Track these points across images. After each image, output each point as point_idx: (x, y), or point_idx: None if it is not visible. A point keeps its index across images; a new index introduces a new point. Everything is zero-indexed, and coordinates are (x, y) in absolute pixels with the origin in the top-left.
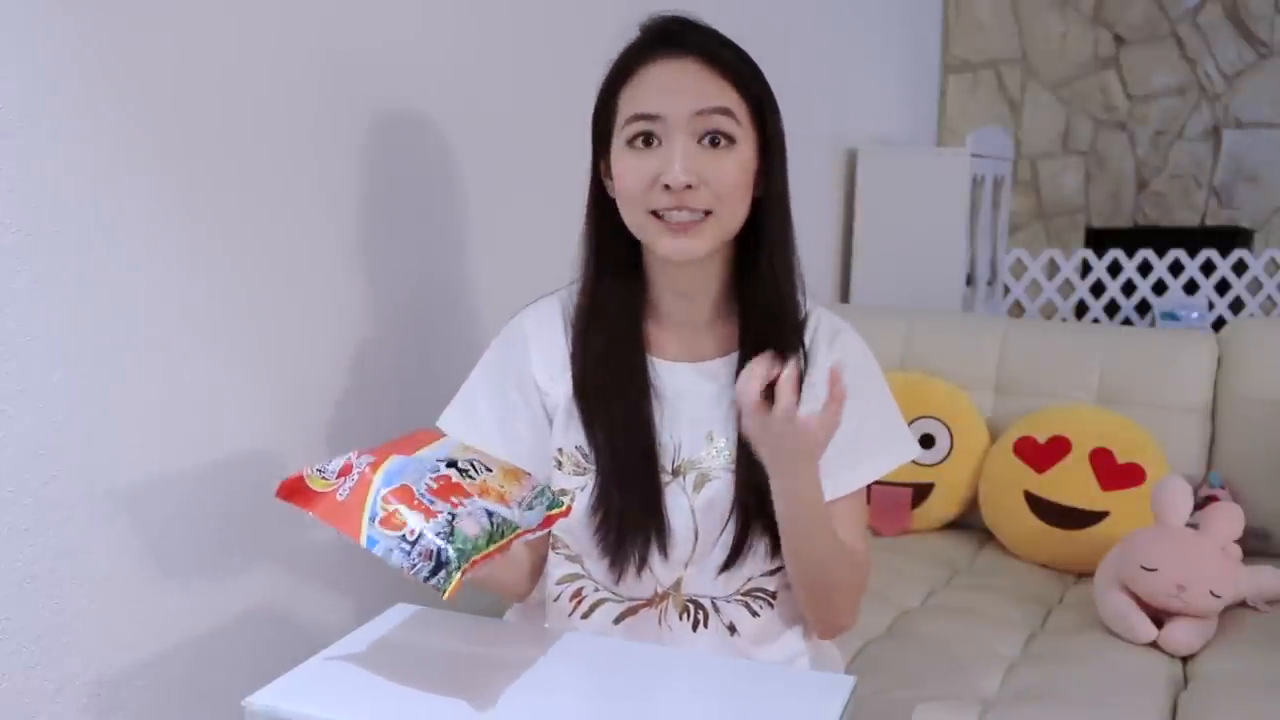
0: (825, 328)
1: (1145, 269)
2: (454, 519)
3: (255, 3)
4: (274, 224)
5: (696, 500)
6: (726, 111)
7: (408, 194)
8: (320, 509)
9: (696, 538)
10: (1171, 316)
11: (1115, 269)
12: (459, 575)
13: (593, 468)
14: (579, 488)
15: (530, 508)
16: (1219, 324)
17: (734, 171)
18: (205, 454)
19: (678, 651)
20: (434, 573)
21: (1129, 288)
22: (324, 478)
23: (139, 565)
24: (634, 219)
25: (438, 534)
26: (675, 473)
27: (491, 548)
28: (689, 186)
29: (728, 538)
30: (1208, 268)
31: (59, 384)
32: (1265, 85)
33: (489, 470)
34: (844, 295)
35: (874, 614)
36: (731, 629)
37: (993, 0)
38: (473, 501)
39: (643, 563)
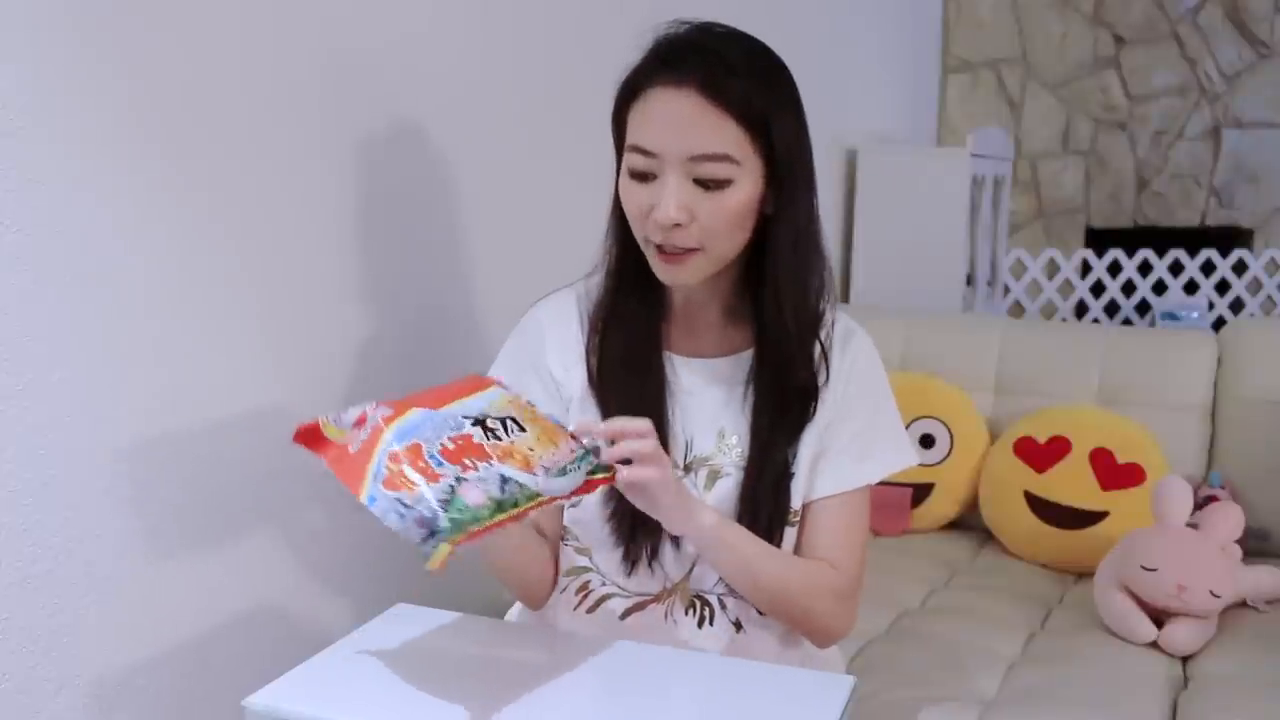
0: (840, 329)
1: (1145, 269)
2: (457, 485)
3: (258, 2)
4: (276, 224)
5: (708, 497)
6: (722, 157)
7: (410, 192)
8: (330, 458)
9: None
10: (1171, 316)
11: (1115, 269)
12: (449, 546)
13: None
14: None
15: (564, 473)
16: (1219, 324)
17: (726, 212)
18: (206, 455)
19: (678, 651)
20: (425, 540)
21: (1129, 288)
22: (339, 427)
23: (139, 565)
24: (636, 236)
25: (437, 500)
26: (687, 469)
27: (498, 518)
28: (678, 225)
29: None
30: (1208, 268)
31: (59, 384)
32: (1265, 85)
33: (522, 430)
34: (844, 295)
35: (874, 614)
36: (738, 625)
37: (993, 0)
38: (489, 466)
39: (654, 554)
